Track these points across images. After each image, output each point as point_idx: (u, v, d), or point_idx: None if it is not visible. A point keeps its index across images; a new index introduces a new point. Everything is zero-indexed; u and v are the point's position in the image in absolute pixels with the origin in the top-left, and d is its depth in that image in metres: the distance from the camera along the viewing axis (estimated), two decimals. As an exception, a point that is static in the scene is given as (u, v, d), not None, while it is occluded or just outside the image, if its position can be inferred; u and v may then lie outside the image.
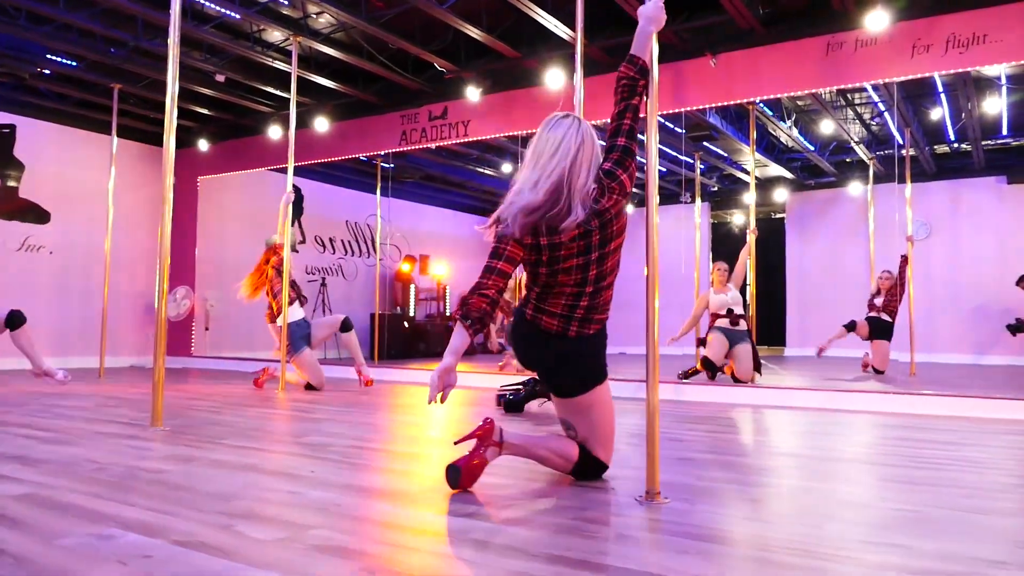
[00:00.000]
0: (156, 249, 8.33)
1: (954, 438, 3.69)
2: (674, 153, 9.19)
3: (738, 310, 6.32)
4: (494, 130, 7.34)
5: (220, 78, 7.66)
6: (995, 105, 7.86)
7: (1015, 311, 8.85)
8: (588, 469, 2.49)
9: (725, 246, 11.72)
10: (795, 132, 8.75)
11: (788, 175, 10.87)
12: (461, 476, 2.31)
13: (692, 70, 6.22)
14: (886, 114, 8.27)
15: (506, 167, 10.18)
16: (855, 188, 10.46)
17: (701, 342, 6.70)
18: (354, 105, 8.12)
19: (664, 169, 10.12)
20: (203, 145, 9.15)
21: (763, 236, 8.17)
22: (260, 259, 6.07)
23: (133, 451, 3.00)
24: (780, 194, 11.48)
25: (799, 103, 8.20)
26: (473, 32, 6.31)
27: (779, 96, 6.49)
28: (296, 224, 10.10)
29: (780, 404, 5.23)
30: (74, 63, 7.29)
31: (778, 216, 12.18)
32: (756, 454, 3.34)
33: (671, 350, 7.27)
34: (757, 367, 6.17)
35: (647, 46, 2.42)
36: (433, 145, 7.75)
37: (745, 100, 6.29)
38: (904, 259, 7.45)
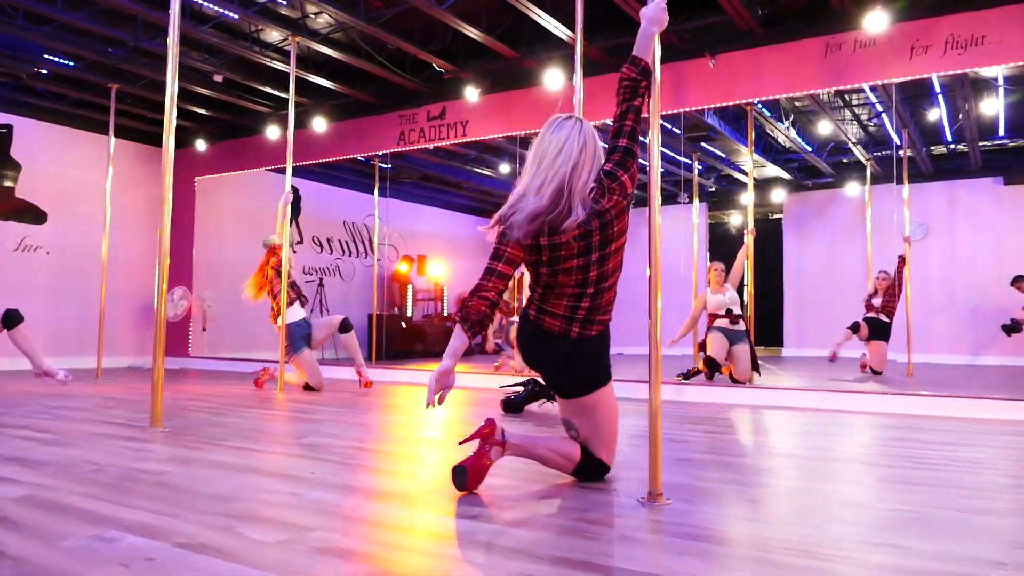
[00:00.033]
0: (153, 249, 8.34)
1: (951, 438, 3.70)
2: (672, 154, 9.19)
3: (736, 310, 6.33)
4: (492, 130, 7.34)
5: (218, 78, 7.65)
6: (992, 106, 7.88)
7: (1011, 312, 8.88)
8: (590, 470, 2.49)
9: (723, 246, 11.73)
10: (793, 133, 8.76)
11: (786, 176, 10.88)
12: (468, 477, 2.31)
13: (691, 71, 6.22)
14: (884, 115, 8.28)
15: (504, 168, 10.18)
16: (852, 189, 10.46)
17: (701, 346, 6.70)
18: (352, 105, 8.12)
19: (662, 169, 10.04)
20: (201, 145, 9.14)
21: (761, 237, 8.20)
22: (262, 260, 6.07)
23: (132, 452, 3.00)
24: (778, 195, 11.49)
25: (797, 104, 8.20)
26: (472, 32, 6.30)
27: (778, 97, 6.49)
28: (294, 224, 10.09)
29: (778, 405, 5.24)
30: (72, 63, 7.27)
31: (776, 217, 12.19)
32: (755, 455, 3.35)
33: (670, 351, 7.28)
34: (755, 367, 6.18)
35: (649, 47, 2.42)
36: (431, 145, 7.74)
37: (744, 101, 6.29)
38: (901, 260, 7.47)
